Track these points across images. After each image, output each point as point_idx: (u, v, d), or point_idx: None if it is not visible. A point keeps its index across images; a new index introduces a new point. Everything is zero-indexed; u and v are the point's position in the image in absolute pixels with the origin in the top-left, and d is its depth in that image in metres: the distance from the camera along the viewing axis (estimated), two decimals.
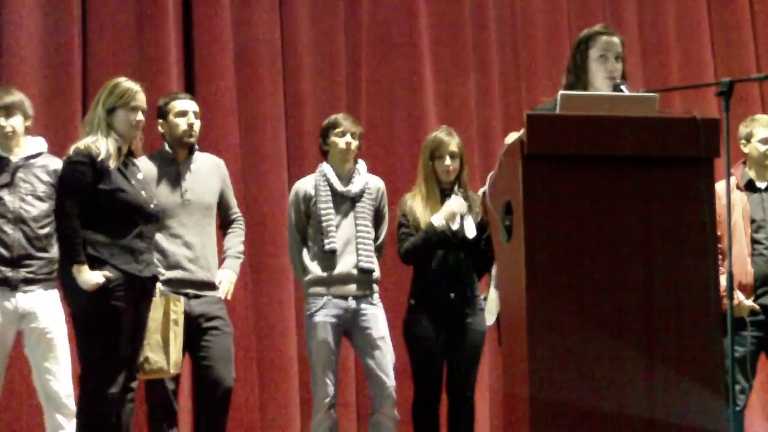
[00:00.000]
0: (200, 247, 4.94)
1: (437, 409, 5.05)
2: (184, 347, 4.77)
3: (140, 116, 4.54)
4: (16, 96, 4.80)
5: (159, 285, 4.68)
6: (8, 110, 4.74)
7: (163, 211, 4.76)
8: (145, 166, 4.91)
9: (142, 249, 4.46)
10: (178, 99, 5.06)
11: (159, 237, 4.84)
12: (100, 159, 4.37)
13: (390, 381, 5.06)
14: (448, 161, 5.11)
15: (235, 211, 5.20)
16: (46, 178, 4.72)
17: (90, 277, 4.32)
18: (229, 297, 5.05)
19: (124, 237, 4.41)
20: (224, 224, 5.18)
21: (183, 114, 4.99)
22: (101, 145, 4.41)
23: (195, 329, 4.86)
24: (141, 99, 4.55)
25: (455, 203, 5.04)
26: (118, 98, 4.50)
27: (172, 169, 4.98)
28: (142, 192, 4.51)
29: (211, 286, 4.97)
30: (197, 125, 5.02)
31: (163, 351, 4.66)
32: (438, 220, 5.02)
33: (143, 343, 4.55)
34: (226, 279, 5.04)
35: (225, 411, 4.94)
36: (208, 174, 5.06)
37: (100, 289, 4.31)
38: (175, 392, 4.94)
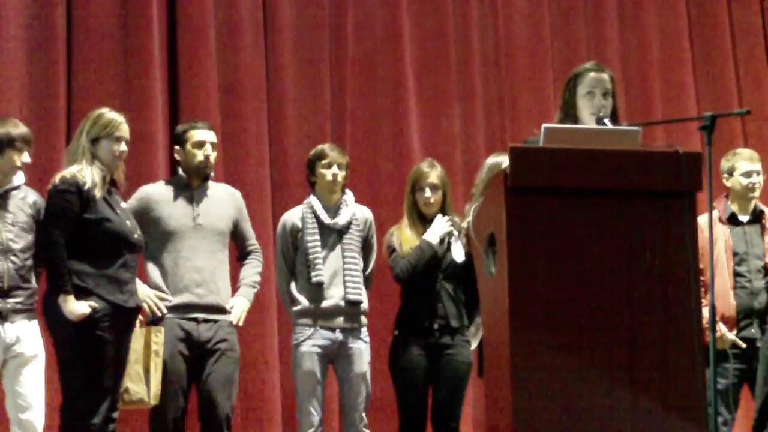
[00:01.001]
0: (209, 272, 4.92)
1: None
2: (190, 374, 4.79)
3: (123, 147, 4.53)
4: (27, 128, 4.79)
5: (140, 316, 4.67)
6: (29, 144, 4.72)
7: (174, 234, 4.83)
8: (160, 191, 4.97)
9: (126, 279, 4.45)
10: (196, 129, 5.04)
11: (169, 261, 4.87)
12: (86, 188, 4.37)
13: (362, 416, 5.08)
14: (428, 193, 5.13)
15: (253, 242, 5.19)
16: (27, 210, 4.70)
17: (76, 307, 4.30)
18: (240, 323, 5.03)
19: (109, 267, 4.40)
20: (241, 255, 5.17)
21: (200, 145, 4.99)
22: (86, 174, 4.41)
23: (202, 354, 4.85)
24: (125, 130, 4.55)
25: (441, 221, 5.07)
26: (102, 128, 4.50)
27: (186, 194, 4.99)
28: (127, 222, 4.51)
29: (221, 310, 4.94)
30: (213, 157, 5.02)
31: (143, 381, 4.64)
32: (431, 237, 5.03)
33: (124, 373, 4.52)
34: (239, 305, 5.02)
35: None
36: (222, 202, 5.06)
37: (86, 319, 4.29)
38: (181, 420, 4.87)
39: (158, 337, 4.70)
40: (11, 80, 5.81)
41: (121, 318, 4.41)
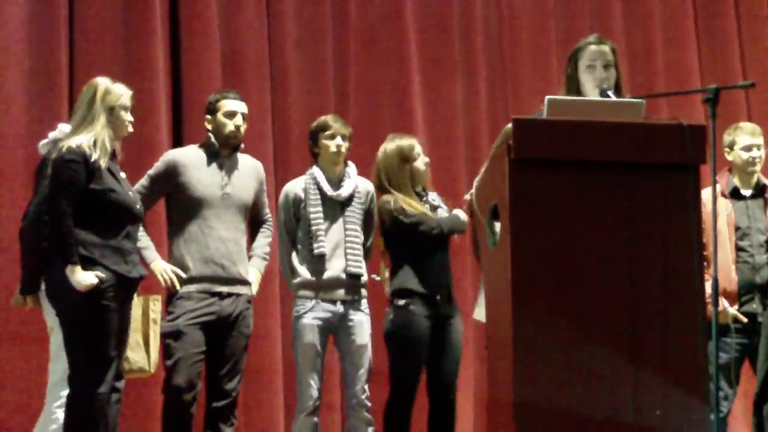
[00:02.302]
0: (233, 243, 4.94)
1: (411, 411, 5.04)
2: (207, 345, 4.81)
3: (131, 116, 4.52)
4: None
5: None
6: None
7: (202, 201, 4.86)
8: (191, 156, 4.98)
9: (130, 249, 4.44)
10: (227, 98, 5.03)
11: (194, 228, 4.88)
12: (93, 158, 4.34)
13: (364, 389, 5.08)
14: (426, 159, 5.18)
15: (267, 212, 5.22)
16: None
17: (84, 277, 4.28)
18: (254, 294, 5.07)
19: (114, 237, 4.38)
20: (254, 223, 5.18)
21: (232, 115, 4.99)
22: (97, 143, 4.38)
23: (220, 329, 4.87)
24: (131, 100, 4.54)
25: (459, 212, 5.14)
26: (118, 98, 4.47)
27: (215, 163, 4.99)
28: (129, 193, 4.50)
29: (243, 282, 4.97)
30: (244, 128, 5.02)
31: (144, 350, 4.66)
32: (464, 214, 5.07)
33: (127, 342, 4.54)
34: (253, 277, 5.06)
35: (227, 417, 4.92)
36: (248, 173, 5.07)
37: (93, 290, 4.29)
38: (195, 401, 4.86)
39: (156, 305, 4.72)
40: (12, 53, 5.79)
41: (125, 288, 4.41)
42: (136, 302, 4.64)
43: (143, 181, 4.99)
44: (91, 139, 4.37)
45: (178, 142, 6.03)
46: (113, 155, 4.51)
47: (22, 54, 5.81)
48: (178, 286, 4.86)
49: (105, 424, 4.37)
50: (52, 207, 4.35)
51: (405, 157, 5.14)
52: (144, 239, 4.91)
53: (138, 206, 4.50)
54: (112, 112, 4.45)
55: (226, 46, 6.30)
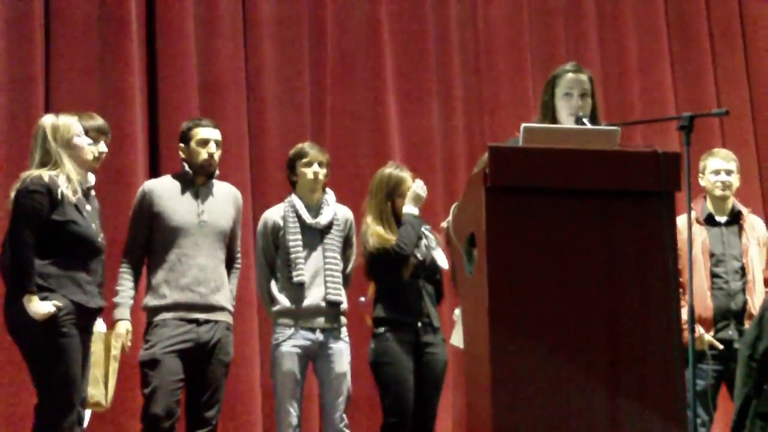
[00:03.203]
0: (211, 270, 4.92)
1: None
2: (185, 373, 4.79)
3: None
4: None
5: (100, 320, 4.66)
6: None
7: (179, 230, 4.85)
8: (166, 186, 4.97)
9: (88, 281, 4.41)
10: (200, 126, 5.02)
11: (172, 257, 4.87)
12: (58, 190, 4.33)
13: (342, 417, 5.07)
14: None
15: (237, 248, 5.16)
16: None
17: (40, 307, 4.26)
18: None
19: (71, 269, 4.36)
20: (227, 260, 5.11)
21: (204, 143, 4.98)
22: (70, 179, 4.37)
23: (198, 356, 4.85)
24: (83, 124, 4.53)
25: (417, 186, 5.10)
26: (68, 130, 4.43)
27: (191, 191, 4.98)
28: (92, 225, 4.46)
29: (222, 309, 4.95)
30: (218, 155, 5.00)
31: (102, 385, 4.65)
32: (410, 208, 5.05)
33: (88, 374, 4.51)
34: None
35: None
36: (225, 201, 5.06)
37: (50, 318, 4.26)
38: (173, 429, 4.84)
39: (118, 342, 4.73)
40: None
41: (83, 317, 4.38)
42: (99, 336, 4.63)
43: (130, 225, 5.01)
44: (57, 174, 4.36)
45: (154, 170, 6.01)
46: (84, 189, 4.48)
47: None
48: (127, 350, 4.84)
49: None
50: (14, 237, 4.33)
51: (391, 192, 5.14)
52: (124, 290, 4.91)
53: (99, 239, 4.47)
54: (68, 145, 4.44)
55: (204, 73, 6.30)
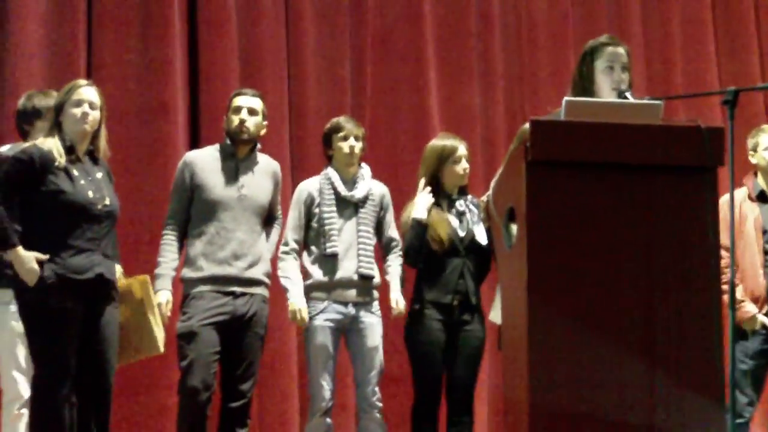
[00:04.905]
0: (249, 245, 4.94)
1: (437, 413, 5.05)
2: (221, 345, 4.82)
3: (86, 109, 4.47)
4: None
5: (118, 268, 4.66)
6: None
7: (218, 203, 4.87)
8: (206, 158, 4.99)
9: (85, 249, 4.41)
10: (238, 95, 5.06)
11: (211, 230, 4.89)
12: (42, 159, 4.35)
13: (375, 390, 5.08)
14: (465, 163, 5.13)
15: (278, 209, 5.21)
16: None
17: (25, 258, 4.29)
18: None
19: (66, 238, 4.38)
20: (266, 220, 5.14)
21: (237, 110, 4.99)
22: (47, 145, 4.40)
23: (234, 329, 4.87)
24: (85, 93, 4.50)
25: (423, 196, 5.06)
26: (63, 94, 4.49)
27: (231, 164, 5.00)
28: (90, 192, 4.45)
29: (259, 283, 4.96)
30: (250, 122, 4.99)
31: (157, 330, 4.70)
32: (419, 213, 5.02)
33: (114, 340, 4.51)
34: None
35: (241, 418, 4.94)
36: (264, 175, 5.08)
37: (38, 289, 4.30)
38: (209, 402, 4.87)
39: (149, 287, 4.74)
40: (31, 56, 5.81)
41: (81, 289, 4.39)
42: (142, 281, 4.69)
43: (171, 196, 5.05)
44: (45, 141, 4.40)
45: (195, 142, 6.03)
46: (71, 153, 4.46)
47: (40, 62, 5.82)
48: (166, 321, 4.85)
49: (65, 424, 4.36)
50: None
51: (443, 157, 5.13)
52: (166, 261, 4.94)
53: (100, 206, 4.46)
54: (60, 110, 4.47)
55: (244, 46, 6.30)
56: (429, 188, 5.08)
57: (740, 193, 5.44)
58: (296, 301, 4.99)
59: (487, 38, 6.95)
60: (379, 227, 5.23)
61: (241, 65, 6.26)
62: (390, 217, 5.27)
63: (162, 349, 4.73)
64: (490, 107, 6.90)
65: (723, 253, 5.26)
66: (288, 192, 5.99)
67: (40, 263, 4.32)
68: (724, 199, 5.31)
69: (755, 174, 5.54)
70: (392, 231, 5.26)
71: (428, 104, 6.70)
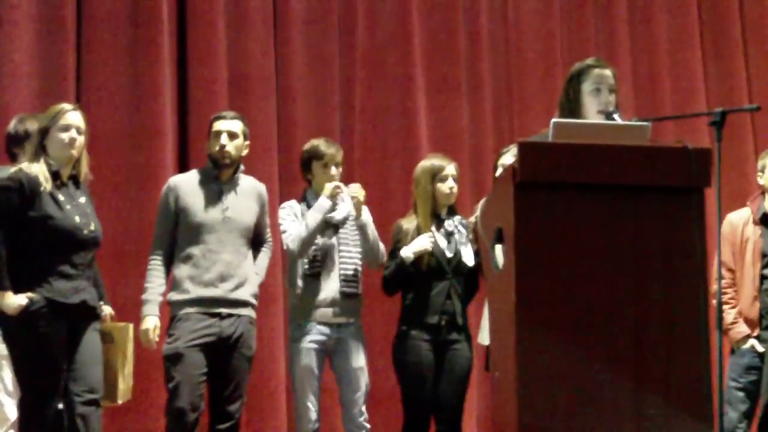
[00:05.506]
0: (235, 266, 4.93)
1: None
2: (208, 367, 4.82)
3: (74, 134, 4.47)
4: None
5: (107, 309, 4.70)
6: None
7: (203, 226, 4.86)
8: (190, 182, 4.99)
9: (71, 275, 4.41)
10: (218, 119, 5.05)
11: (197, 252, 4.88)
12: (31, 185, 4.34)
13: (362, 411, 5.08)
14: (451, 183, 5.13)
15: (268, 232, 5.20)
16: None
17: (13, 300, 4.29)
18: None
19: (52, 264, 4.37)
20: (255, 243, 5.13)
21: (217, 135, 4.99)
22: (33, 170, 4.38)
23: (221, 350, 4.86)
24: (72, 118, 4.50)
25: (424, 238, 5.06)
26: (49, 119, 4.47)
27: (215, 187, 4.99)
28: (76, 217, 4.45)
29: (245, 304, 4.95)
30: (231, 146, 4.97)
31: (121, 382, 4.73)
32: (407, 252, 5.03)
33: (99, 366, 4.52)
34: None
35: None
36: (249, 196, 5.06)
37: (26, 315, 4.29)
38: (197, 423, 4.85)
39: (129, 336, 4.78)
40: (20, 79, 5.80)
41: (66, 313, 4.39)
42: (126, 331, 4.72)
43: (156, 221, 5.03)
44: (30, 166, 4.38)
45: (184, 165, 6.03)
46: (57, 178, 4.45)
47: (29, 86, 5.81)
48: (154, 346, 4.87)
49: None
50: None
51: (431, 176, 5.14)
52: (153, 286, 4.92)
53: (86, 231, 4.46)
54: (46, 135, 4.45)
55: (233, 68, 6.31)
56: (433, 238, 5.08)
57: (744, 215, 5.44)
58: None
59: (476, 60, 6.96)
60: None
61: (230, 89, 6.26)
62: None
63: (120, 401, 4.77)
64: (478, 127, 6.91)
65: (725, 273, 5.26)
66: (276, 212, 6.00)
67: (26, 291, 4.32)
68: (727, 220, 5.32)
69: (762, 195, 5.50)
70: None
71: (417, 124, 6.71)
